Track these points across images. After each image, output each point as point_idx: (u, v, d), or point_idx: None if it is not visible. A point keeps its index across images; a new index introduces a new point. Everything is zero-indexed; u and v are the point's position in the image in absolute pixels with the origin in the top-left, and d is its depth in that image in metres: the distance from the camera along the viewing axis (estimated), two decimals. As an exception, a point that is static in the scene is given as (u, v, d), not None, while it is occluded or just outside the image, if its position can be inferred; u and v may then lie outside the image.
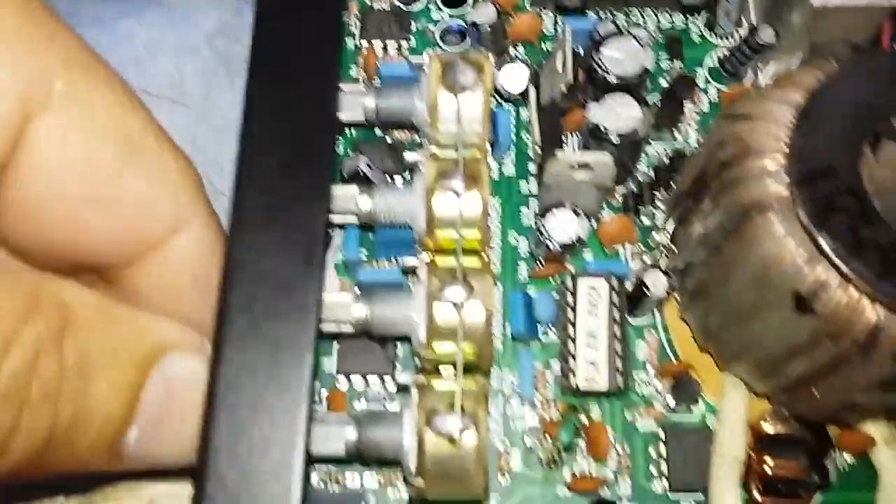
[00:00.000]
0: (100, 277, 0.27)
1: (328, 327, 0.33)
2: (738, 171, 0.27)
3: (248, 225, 0.24)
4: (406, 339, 0.33)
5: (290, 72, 0.28)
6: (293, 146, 0.26)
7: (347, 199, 0.33)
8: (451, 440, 0.29)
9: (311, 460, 0.30)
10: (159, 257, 0.26)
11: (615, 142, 0.34)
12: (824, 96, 0.26)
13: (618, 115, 0.34)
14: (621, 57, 0.35)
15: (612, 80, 0.35)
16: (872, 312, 0.25)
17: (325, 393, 0.35)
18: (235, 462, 0.23)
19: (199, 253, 0.27)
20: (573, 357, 0.34)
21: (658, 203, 0.38)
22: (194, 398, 0.25)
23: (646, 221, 0.38)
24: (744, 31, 0.39)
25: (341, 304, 0.32)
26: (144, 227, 0.26)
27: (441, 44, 0.40)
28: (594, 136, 0.34)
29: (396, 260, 0.37)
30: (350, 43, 0.41)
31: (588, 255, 0.37)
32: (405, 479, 0.31)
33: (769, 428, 0.34)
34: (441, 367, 0.32)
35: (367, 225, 0.35)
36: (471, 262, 0.32)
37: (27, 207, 0.25)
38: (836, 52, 0.28)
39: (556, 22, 0.41)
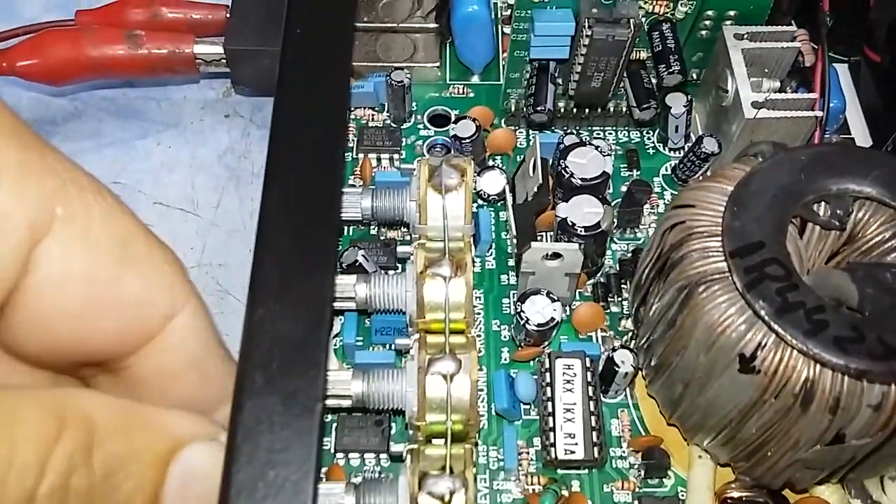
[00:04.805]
0: (101, 369, 0.29)
1: (329, 402, 0.36)
2: (683, 251, 0.32)
3: (265, 296, 0.28)
4: (400, 413, 0.37)
5: (299, 177, 0.33)
6: (302, 236, 0.30)
7: (346, 287, 0.38)
8: (443, 501, 0.32)
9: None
10: (157, 343, 0.28)
11: (582, 234, 0.38)
12: (750, 185, 0.31)
13: (583, 212, 0.39)
14: (584, 162, 0.40)
15: (577, 182, 0.40)
16: (805, 368, 0.29)
17: (324, 469, 0.38)
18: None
19: (192, 334, 0.29)
20: (552, 430, 0.37)
21: (624, 292, 0.42)
22: (213, 485, 0.26)
23: (614, 309, 0.42)
24: (691, 143, 0.44)
25: (341, 380, 0.36)
26: (144, 321, 0.28)
27: (428, 156, 0.46)
28: (563, 230, 0.39)
29: (390, 346, 0.40)
30: (348, 156, 0.46)
31: (564, 340, 0.41)
32: (400, 544, 0.33)
33: (733, 494, 0.37)
34: (432, 440, 0.36)
35: (363, 311, 0.39)
36: (457, 339, 0.36)
37: (35, 322, 0.26)
38: (761, 151, 0.33)
39: (527, 136, 0.47)
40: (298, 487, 0.25)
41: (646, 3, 0.43)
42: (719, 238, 0.31)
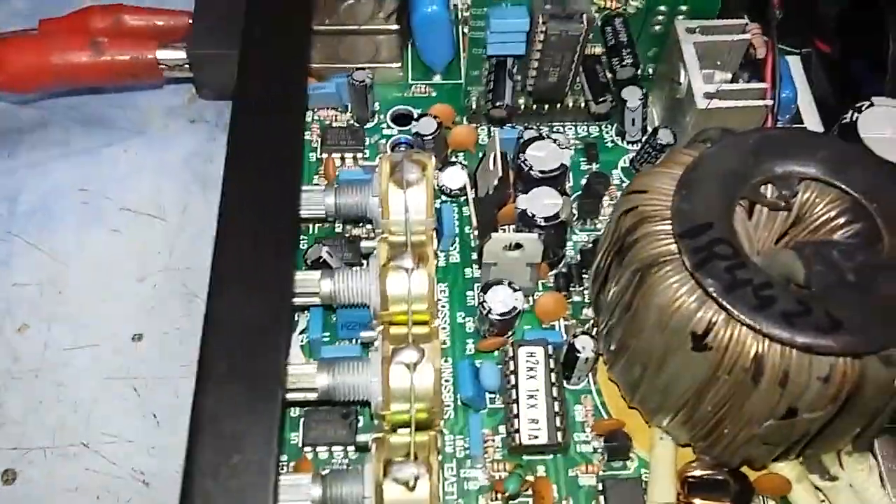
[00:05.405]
0: None
1: (295, 396, 0.36)
2: (636, 234, 0.33)
3: (225, 287, 0.29)
4: (366, 405, 0.37)
5: (257, 172, 0.33)
6: (261, 228, 0.31)
7: (310, 283, 0.38)
8: (407, 486, 0.33)
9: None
10: None
11: (541, 224, 0.39)
12: (698, 169, 0.32)
13: (542, 203, 0.40)
14: (543, 155, 0.41)
15: (536, 174, 0.40)
16: (754, 343, 0.30)
17: (292, 464, 0.38)
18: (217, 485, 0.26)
19: None
20: (517, 417, 0.38)
21: (585, 282, 0.43)
22: None
23: (576, 298, 0.43)
24: (647, 136, 0.45)
25: (306, 374, 0.36)
26: None
27: (390, 153, 0.46)
28: (524, 221, 0.40)
29: (356, 340, 0.41)
30: (312, 156, 0.47)
31: (527, 329, 0.42)
32: (367, 532, 0.33)
33: (695, 473, 0.37)
34: (398, 429, 0.36)
35: (329, 307, 0.40)
36: (420, 330, 0.37)
37: None
38: (710, 136, 0.34)
39: (489, 133, 0.47)
40: (262, 468, 0.26)
41: (598, -2, 0.44)
42: (668, 221, 0.32)
